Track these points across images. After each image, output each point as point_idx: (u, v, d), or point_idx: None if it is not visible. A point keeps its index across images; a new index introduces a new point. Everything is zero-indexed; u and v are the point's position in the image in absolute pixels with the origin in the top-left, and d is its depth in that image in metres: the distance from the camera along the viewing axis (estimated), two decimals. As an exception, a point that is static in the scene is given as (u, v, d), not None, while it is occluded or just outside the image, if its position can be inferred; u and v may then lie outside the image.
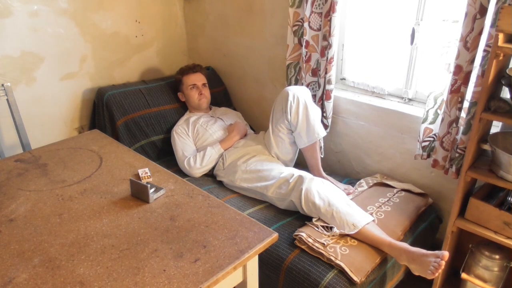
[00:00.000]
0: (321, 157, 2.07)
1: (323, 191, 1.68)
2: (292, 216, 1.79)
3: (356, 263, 1.49)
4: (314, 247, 1.53)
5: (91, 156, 1.60)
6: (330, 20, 1.91)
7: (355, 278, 1.44)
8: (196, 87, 2.36)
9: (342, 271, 1.47)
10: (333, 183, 2.00)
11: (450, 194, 1.91)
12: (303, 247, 1.57)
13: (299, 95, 1.93)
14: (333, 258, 1.49)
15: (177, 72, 2.46)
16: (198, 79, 2.37)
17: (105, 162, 1.55)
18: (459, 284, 1.75)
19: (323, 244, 1.54)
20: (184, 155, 2.18)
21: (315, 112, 1.97)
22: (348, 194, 1.97)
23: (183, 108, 2.48)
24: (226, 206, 1.31)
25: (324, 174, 2.05)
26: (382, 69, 2.07)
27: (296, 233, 1.60)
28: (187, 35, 2.83)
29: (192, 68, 2.40)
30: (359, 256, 1.52)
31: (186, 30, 2.81)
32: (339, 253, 1.51)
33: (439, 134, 1.74)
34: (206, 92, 2.39)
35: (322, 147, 2.15)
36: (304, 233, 1.58)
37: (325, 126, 2.15)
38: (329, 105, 2.09)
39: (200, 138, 2.25)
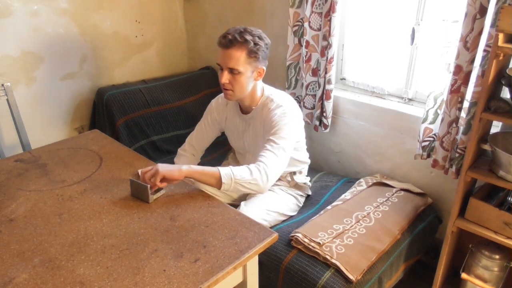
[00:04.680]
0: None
1: None
2: (291, 217, 1.79)
3: (352, 262, 1.49)
4: (310, 247, 1.53)
5: (91, 156, 1.60)
6: (330, 20, 1.91)
7: (350, 277, 1.44)
8: (222, 70, 1.52)
9: (338, 270, 1.47)
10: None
11: (450, 194, 1.91)
12: (299, 247, 1.57)
13: None
14: (328, 257, 1.49)
15: None
16: (227, 58, 1.49)
17: (105, 162, 1.55)
18: (459, 284, 1.75)
19: (318, 244, 1.54)
20: (189, 135, 1.83)
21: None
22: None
23: (183, 107, 2.47)
24: (226, 206, 1.31)
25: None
26: (382, 69, 2.07)
27: (292, 234, 1.60)
28: (187, 35, 2.83)
29: (224, 40, 1.51)
30: (355, 254, 1.52)
31: (186, 30, 2.81)
32: (334, 252, 1.51)
33: (439, 134, 1.74)
34: (235, 83, 1.52)
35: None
36: (300, 234, 1.58)
37: (325, 126, 2.15)
38: (329, 105, 2.09)
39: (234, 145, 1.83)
